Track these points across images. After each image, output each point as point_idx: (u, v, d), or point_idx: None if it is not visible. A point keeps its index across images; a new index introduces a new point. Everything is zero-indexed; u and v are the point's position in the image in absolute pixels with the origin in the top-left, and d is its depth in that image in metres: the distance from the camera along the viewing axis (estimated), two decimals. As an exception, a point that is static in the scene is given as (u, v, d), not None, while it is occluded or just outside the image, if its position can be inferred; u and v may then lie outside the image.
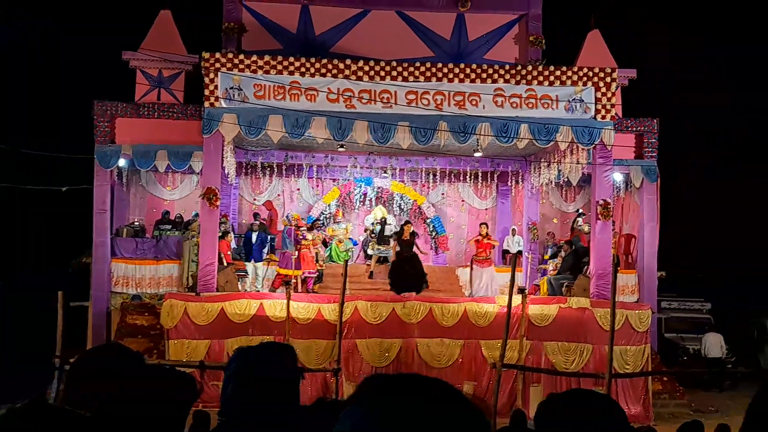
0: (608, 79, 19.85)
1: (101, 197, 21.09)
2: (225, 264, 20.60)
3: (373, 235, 24.50)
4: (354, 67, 19.34)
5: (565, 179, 22.25)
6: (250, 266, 22.23)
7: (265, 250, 23.01)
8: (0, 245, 29.25)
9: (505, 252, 24.69)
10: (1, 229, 29.55)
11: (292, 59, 19.38)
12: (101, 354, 3.26)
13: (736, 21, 39.37)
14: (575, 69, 19.98)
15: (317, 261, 22.63)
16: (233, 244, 22.33)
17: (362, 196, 26.07)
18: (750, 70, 40.53)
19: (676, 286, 27.66)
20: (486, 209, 26.50)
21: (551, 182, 23.27)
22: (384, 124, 19.30)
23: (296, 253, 21.99)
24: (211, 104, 19.12)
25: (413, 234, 21.42)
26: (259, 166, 24.27)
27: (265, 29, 23.11)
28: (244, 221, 24.32)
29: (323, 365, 17.44)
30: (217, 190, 19.55)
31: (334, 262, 23.69)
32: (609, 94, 19.88)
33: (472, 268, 22.69)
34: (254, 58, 19.34)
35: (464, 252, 25.57)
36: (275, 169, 24.54)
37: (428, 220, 26.20)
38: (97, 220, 21.08)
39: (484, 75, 19.61)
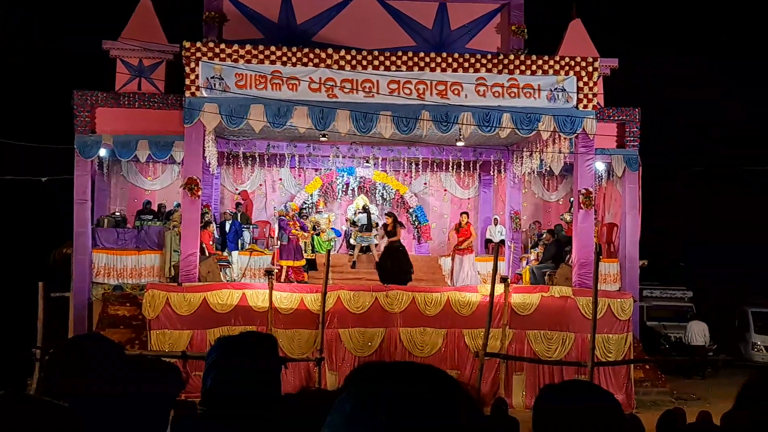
0: (590, 69, 19.86)
1: (82, 187, 20.96)
2: (207, 254, 20.54)
3: (354, 226, 24.50)
4: (336, 57, 19.28)
5: (548, 168, 22.29)
6: (234, 255, 22.18)
7: (246, 240, 22.98)
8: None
9: (488, 241, 24.76)
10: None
11: (273, 48, 19.29)
12: (81, 344, 3.23)
13: (718, 12, 39.49)
14: (557, 58, 19.98)
15: (305, 250, 22.70)
16: (216, 234, 22.29)
17: (344, 186, 26.06)
18: (737, 59, 40.67)
19: (657, 274, 27.80)
20: (468, 199, 26.54)
21: (533, 171, 23.30)
22: (366, 114, 19.26)
23: (279, 243, 22.07)
24: (192, 94, 19.02)
25: (395, 224, 21.53)
26: (241, 155, 24.19)
27: (246, 18, 23.00)
28: (226, 211, 24.24)
29: (306, 355, 17.43)
30: (198, 180, 19.47)
31: (317, 252, 23.68)
32: (591, 84, 19.89)
33: (453, 258, 22.78)
34: (235, 47, 19.24)
35: (446, 242, 25.59)
36: (257, 159, 24.47)
37: (411, 210, 26.22)
38: (77, 210, 20.96)
39: (466, 64, 19.58)
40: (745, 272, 34.57)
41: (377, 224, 23.46)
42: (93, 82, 22.10)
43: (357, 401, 1.66)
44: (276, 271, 20.76)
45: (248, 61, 19.13)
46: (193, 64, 18.98)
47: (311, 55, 19.27)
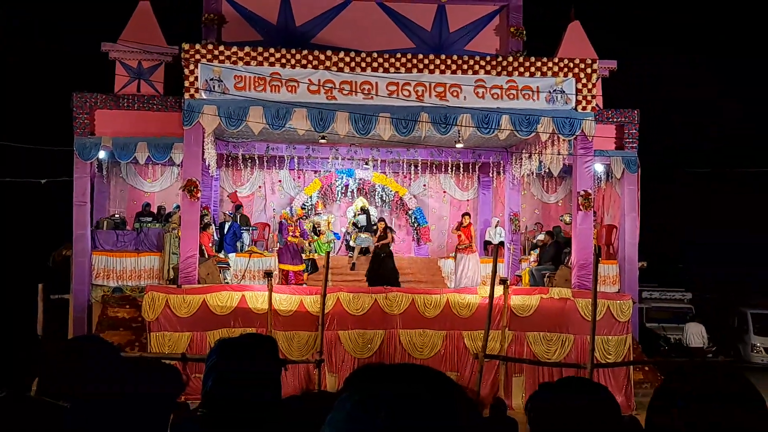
0: (589, 70, 19.88)
1: (81, 189, 20.95)
2: (206, 256, 20.54)
3: (355, 227, 24.54)
4: (335, 59, 19.29)
5: (547, 170, 22.30)
6: (231, 258, 22.18)
7: (245, 242, 22.98)
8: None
9: (487, 243, 24.75)
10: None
11: (272, 50, 19.30)
12: (79, 346, 3.23)
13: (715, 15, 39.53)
14: (556, 60, 19.99)
15: (304, 252, 22.75)
16: (215, 236, 22.30)
17: (344, 188, 26.07)
18: (735, 60, 40.71)
19: (657, 276, 27.81)
20: (467, 200, 26.56)
21: (532, 173, 23.31)
22: (365, 116, 19.27)
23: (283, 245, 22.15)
24: (191, 96, 19.02)
25: (386, 230, 21.64)
26: (240, 157, 24.19)
27: (245, 20, 23.00)
28: (224, 212, 24.24)
29: (306, 356, 17.42)
30: (197, 182, 19.47)
31: (316, 253, 23.70)
32: (590, 85, 19.90)
33: (456, 258, 22.81)
34: (234, 49, 19.25)
35: (446, 244, 25.59)
36: (256, 161, 24.47)
37: (410, 212, 26.23)
38: (77, 212, 20.95)
39: (465, 66, 19.60)
40: (745, 273, 34.60)
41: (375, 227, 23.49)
42: (92, 83, 22.12)
43: (357, 401, 1.68)
44: (275, 274, 20.76)
45: (247, 63, 19.13)
46: (192, 66, 18.98)
47: (310, 57, 19.28)
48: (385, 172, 25.64)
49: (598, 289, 15.37)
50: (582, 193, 20.19)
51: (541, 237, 23.12)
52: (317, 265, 22.77)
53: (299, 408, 3.17)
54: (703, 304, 29.83)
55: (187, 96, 19.03)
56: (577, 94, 19.78)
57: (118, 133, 20.82)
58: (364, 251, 23.61)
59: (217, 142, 22.07)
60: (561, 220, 23.35)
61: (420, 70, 19.46)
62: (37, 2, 32.35)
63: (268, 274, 18.47)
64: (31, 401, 2.17)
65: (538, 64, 19.80)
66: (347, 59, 19.31)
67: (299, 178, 25.80)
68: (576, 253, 20.19)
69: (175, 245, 20.43)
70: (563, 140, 20.28)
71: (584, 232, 20.32)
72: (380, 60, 19.38)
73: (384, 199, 26.14)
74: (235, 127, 19.43)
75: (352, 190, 26.05)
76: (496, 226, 24.80)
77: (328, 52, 19.38)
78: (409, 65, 19.45)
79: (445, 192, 26.60)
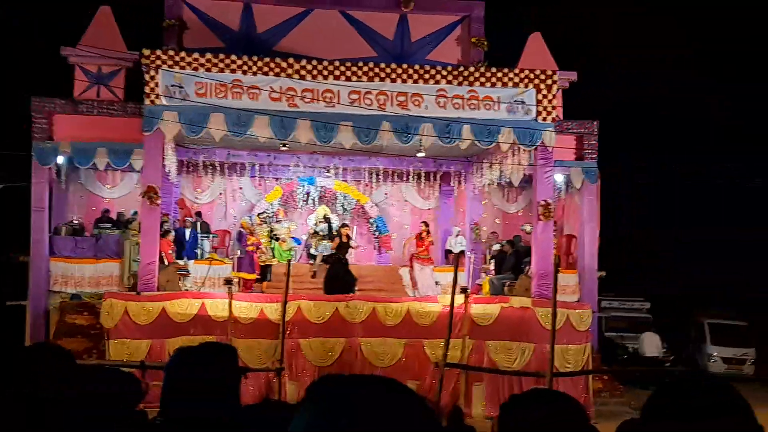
0: (549, 81, 20.04)
1: (39, 195, 20.75)
2: (166, 263, 20.39)
3: (316, 236, 24.48)
4: (297, 66, 19.27)
5: (507, 180, 22.41)
6: (191, 265, 22.01)
7: (205, 249, 22.84)
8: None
9: (448, 252, 24.80)
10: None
11: (234, 57, 19.25)
12: (33, 354, 3.19)
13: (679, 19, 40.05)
14: (517, 71, 20.13)
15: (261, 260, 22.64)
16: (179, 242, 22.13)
17: (305, 196, 25.99)
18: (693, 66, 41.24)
19: (616, 286, 28.03)
20: (429, 209, 26.58)
21: (493, 183, 23.42)
22: (327, 124, 19.26)
23: (237, 253, 22.05)
24: (152, 102, 18.90)
25: (349, 237, 21.71)
26: (201, 164, 24.06)
27: (206, 26, 22.94)
28: (185, 219, 24.03)
29: (266, 365, 17.33)
30: (157, 189, 19.34)
31: (276, 260, 23.61)
32: (550, 96, 20.05)
33: (412, 267, 22.86)
34: (195, 55, 19.16)
35: (403, 251, 25.60)
36: (217, 168, 24.36)
37: (371, 220, 26.21)
38: (34, 218, 20.73)
39: (426, 76, 19.67)
40: (703, 283, 35.01)
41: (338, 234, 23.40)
42: (51, 88, 21.90)
43: (318, 410, 1.68)
44: (235, 282, 20.64)
45: (208, 70, 19.05)
46: (152, 72, 18.86)
47: (272, 65, 19.24)
48: (346, 180, 25.61)
49: (557, 299, 15.46)
50: (542, 203, 20.33)
51: (497, 247, 23.21)
52: (269, 274, 22.59)
53: (259, 417, 3.15)
54: (661, 314, 30.09)
55: (147, 102, 18.91)
56: (537, 105, 19.93)
57: (78, 139, 20.63)
58: (325, 259, 23.56)
59: (177, 149, 21.92)
60: (522, 230, 23.46)
61: (382, 79, 19.50)
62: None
63: (228, 282, 18.39)
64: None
65: (500, 74, 19.92)
66: (309, 67, 19.30)
67: (260, 185, 25.68)
68: (536, 263, 20.31)
69: (135, 252, 20.27)
70: (524, 150, 20.41)
71: (544, 242, 20.45)
72: (342, 68, 19.39)
73: (345, 207, 26.10)
74: (196, 134, 19.33)
75: (314, 198, 25.99)
76: (456, 236, 24.85)
77: (290, 60, 19.36)
78: (371, 74, 19.49)
79: (406, 201, 26.62)
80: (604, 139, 22.84)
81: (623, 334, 28.00)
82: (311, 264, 24.06)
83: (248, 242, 22.32)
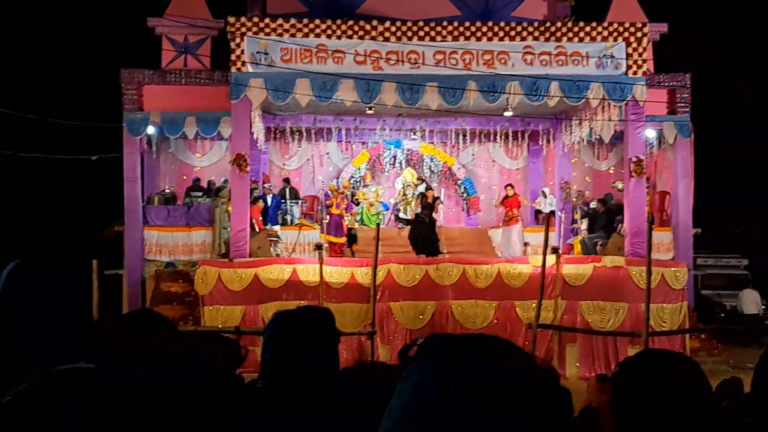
0: (639, 34, 19.56)
1: (131, 165, 21.13)
2: (257, 230, 20.61)
3: (407, 197, 24.44)
4: (381, 28, 19.18)
5: (597, 137, 22.00)
6: (279, 230, 22.19)
7: (295, 215, 23.03)
8: (32, 216, 29.47)
9: (538, 212, 24.54)
10: (32, 200, 29.75)
11: (318, 22, 19.24)
12: (134, 319, 3.20)
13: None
14: (605, 24, 19.69)
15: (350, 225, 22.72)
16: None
17: (392, 159, 25.99)
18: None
19: (711, 242, 27.43)
20: (517, 169, 26.34)
21: (583, 140, 23.04)
22: (412, 86, 19.16)
23: (327, 218, 22.14)
24: (238, 69, 19.05)
25: (435, 199, 21.56)
26: (288, 130, 24.20)
27: (290, -8, 22.93)
28: (266, 185, 24.25)
29: (358, 329, 17.44)
30: (246, 156, 19.54)
31: (365, 225, 23.68)
32: (640, 50, 19.59)
33: (502, 229, 22.77)
34: (280, 21, 19.21)
35: (496, 213, 25.41)
36: (304, 133, 24.48)
37: (459, 182, 26.08)
38: (127, 188, 21.14)
39: (512, 33, 19.38)
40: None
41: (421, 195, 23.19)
42: (139, 59, 22.22)
43: (426, 371, 1.62)
44: (325, 246, 20.76)
45: (293, 35, 19.09)
46: (238, 40, 18.99)
47: (356, 28, 19.19)
48: (433, 142, 25.51)
49: (651, 257, 15.13)
50: (634, 159, 19.94)
51: (593, 205, 22.84)
52: (356, 238, 22.61)
53: (357, 378, 3.12)
54: (759, 270, 29.35)
55: (233, 70, 19.07)
56: (627, 59, 19.50)
57: (167, 108, 20.93)
58: (408, 221, 23.46)
59: (264, 116, 22.11)
60: (613, 187, 23.07)
61: (467, 38, 19.29)
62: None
63: (318, 247, 18.51)
64: (91, 374, 2.12)
65: (587, 29, 19.52)
66: (393, 29, 19.19)
67: (347, 149, 25.75)
68: (629, 221, 19.96)
69: (226, 219, 20.54)
70: (614, 106, 20.00)
71: (637, 199, 20.08)
72: (426, 29, 19.23)
73: (432, 169, 26.02)
74: (282, 100, 19.43)
75: (401, 161, 25.96)
76: (546, 195, 24.55)
77: (374, 22, 19.27)
78: (455, 33, 19.29)
79: (494, 161, 26.40)
80: (698, 91, 22.22)
81: (720, 291, 27.42)
82: (400, 227, 24.06)
83: (329, 204, 22.32)
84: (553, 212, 22.96)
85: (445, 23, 19.42)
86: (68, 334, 2.88)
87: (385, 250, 20.55)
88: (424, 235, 20.93)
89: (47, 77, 31.41)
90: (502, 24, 19.53)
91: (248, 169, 19.71)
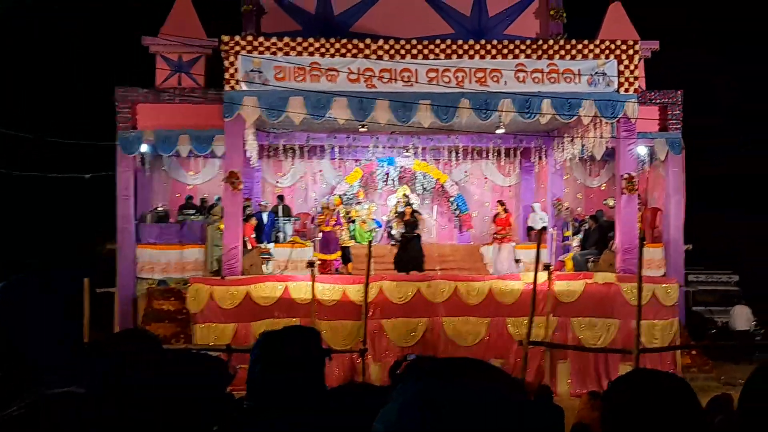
0: (631, 52, 19.67)
1: (124, 183, 21.16)
2: (249, 247, 20.62)
3: (398, 216, 24.43)
4: (374, 47, 19.27)
5: (589, 154, 22.09)
6: (272, 248, 22.20)
7: (287, 233, 23.05)
8: (25, 234, 29.46)
9: (530, 229, 24.60)
10: (26, 218, 29.75)
11: (311, 40, 19.32)
12: (120, 339, 3.24)
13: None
14: (597, 42, 19.80)
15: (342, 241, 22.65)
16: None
17: (385, 176, 26.04)
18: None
19: (703, 258, 27.45)
20: (509, 186, 26.41)
21: (575, 157, 23.13)
22: (405, 103, 19.24)
23: (320, 235, 22.11)
24: (232, 87, 19.11)
25: (414, 212, 21.64)
26: (281, 148, 24.27)
27: (283, 10, 23.03)
28: (263, 203, 24.29)
29: (349, 346, 17.43)
30: (239, 174, 19.58)
31: (358, 242, 23.69)
32: (632, 67, 19.70)
33: (492, 246, 22.83)
34: (274, 40, 19.29)
35: (488, 230, 25.47)
36: (297, 151, 24.54)
37: (451, 199, 26.14)
38: (121, 206, 21.16)
39: (505, 51, 19.48)
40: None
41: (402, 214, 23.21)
42: (133, 78, 22.28)
43: (410, 396, 1.65)
44: (317, 264, 20.73)
45: (287, 54, 19.17)
46: (232, 58, 19.06)
47: (349, 46, 19.27)
48: (425, 160, 25.57)
49: (643, 273, 15.18)
50: (625, 176, 20.03)
51: (586, 221, 22.92)
52: (349, 255, 22.56)
53: (345, 399, 3.15)
54: (750, 286, 29.37)
55: (227, 88, 19.12)
56: (619, 76, 19.60)
57: (160, 127, 20.98)
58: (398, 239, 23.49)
59: (258, 133, 22.16)
60: (605, 204, 23.15)
61: (460, 56, 19.38)
62: (77, -1, 32.61)
63: (310, 264, 18.51)
64: (78, 396, 2.17)
65: (579, 46, 19.63)
66: (386, 47, 19.28)
67: (340, 167, 25.80)
68: (620, 237, 20.02)
69: (218, 237, 20.56)
70: (606, 123, 20.10)
71: (628, 216, 20.15)
72: (419, 47, 19.32)
73: (425, 186, 26.08)
74: (276, 118, 19.48)
75: (394, 178, 26.02)
76: (538, 212, 24.62)
77: (367, 41, 19.36)
78: (448, 51, 19.38)
79: (486, 178, 26.47)
80: (690, 108, 22.33)
81: (712, 307, 27.44)
82: (392, 245, 24.05)
83: (320, 223, 22.25)
84: (545, 228, 23.02)
85: (438, 41, 19.51)
86: (67, 333, 2.93)
87: (378, 267, 20.57)
88: (411, 254, 20.99)
89: (42, 96, 31.46)
90: (494, 42, 19.62)
91: (241, 186, 19.75)
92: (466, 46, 19.41)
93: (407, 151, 25.07)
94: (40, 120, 26.49)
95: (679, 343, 19.12)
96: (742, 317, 25.04)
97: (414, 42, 19.41)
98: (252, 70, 19.09)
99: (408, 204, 23.04)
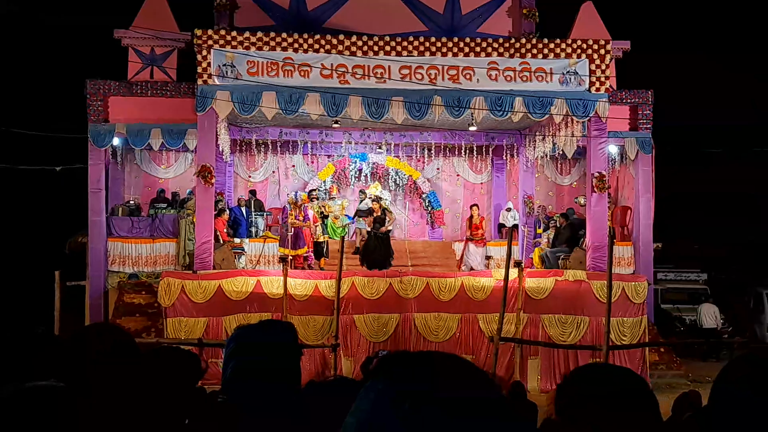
0: (602, 51, 19.81)
1: (96, 176, 21.03)
2: (221, 242, 20.58)
3: (361, 213, 24.33)
4: (347, 43, 19.27)
5: (560, 152, 22.22)
6: (246, 242, 22.16)
7: (259, 227, 22.99)
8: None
9: (501, 226, 24.70)
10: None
11: (284, 35, 19.29)
12: (92, 333, 3.25)
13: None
14: (569, 41, 19.92)
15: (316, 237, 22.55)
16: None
17: (357, 172, 26.03)
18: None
19: (672, 257, 27.72)
20: (481, 183, 26.50)
21: (546, 155, 23.25)
22: (378, 100, 19.27)
23: (291, 230, 22.02)
24: (204, 81, 19.05)
25: (383, 210, 21.57)
26: (254, 143, 24.22)
27: (257, 5, 22.95)
28: (239, 197, 24.21)
29: (321, 341, 17.48)
30: (211, 168, 19.52)
31: (331, 238, 23.65)
32: (603, 66, 19.83)
33: (467, 247, 22.84)
34: (247, 34, 19.25)
35: (460, 227, 25.55)
36: (270, 146, 24.48)
37: (424, 195, 26.18)
38: (92, 199, 21.02)
39: (477, 49, 19.55)
40: (760, 253, 34.49)
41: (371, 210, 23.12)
42: (105, 71, 22.14)
43: (381, 390, 1.67)
44: (289, 259, 20.67)
45: (260, 48, 19.13)
46: (204, 52, 19.00)
47: (323, 42, 19.27)
48: (398, 156, 25.60)
49: (613, 271, 15.33)
50: (596, 174, 20.16)
51: (555, 218, 23.05)
52: (325, 251, 22.42)
53: (317, 393, 3.17)
54: (718, 284, 29.71)
55: (200, 82, 19.06)
56: (590, 76, 19.73)
57: (132, 120, 20.86)
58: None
59: (230, 128, 22.09)
60: (575, 202, 23.30)
61: (433, 53, 19.42)
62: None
63: (282, 259, 18.50)
64: (55, 390, 2.19)
65: (552, 45, 19.74)
66: (360, 43, 19.29)
67: (313, 162, 25.78)
68: (590, 235, 20.17)
69: (190, 231, 20.50)
70: (577, 122, 20.24)
71: (599, 214, 20.30)
72: (393, 44, 19.35)
73: (398, 182, 26.11)
74: (249, 113, 19.44)
75: (366, 174, 26.02)
76: (509, 210, 24.73)
77: (341, 37, 19.36)
78: (421, 48, 19.42)
79: (458, 175, 26.54)
80: (660, 107, 22.51)
81: (680, 305, 27.71)
82: (352, 240, 23.87)
83: (289, 218, 22.07)
84: (516, 226, 23.15)
85: (411, 38, 19.55)
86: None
87: (350, 262, 20.61)
88: (380, 250, 20.96)
89: (12, 87, 31.19)
90: (467, 40, 19.68)
91: (213, 181, 19.70)
92: (439, 44, 19.46)
93: (380, 148, 25.09)
94: (10, 111, 26.25)
95: (648, 341, 19.32)
96: (709, 315, 25.32)
97: (387, 39, 19.44)
98: (225, 65, 19.04)
99: (377, 200, 22.96)
